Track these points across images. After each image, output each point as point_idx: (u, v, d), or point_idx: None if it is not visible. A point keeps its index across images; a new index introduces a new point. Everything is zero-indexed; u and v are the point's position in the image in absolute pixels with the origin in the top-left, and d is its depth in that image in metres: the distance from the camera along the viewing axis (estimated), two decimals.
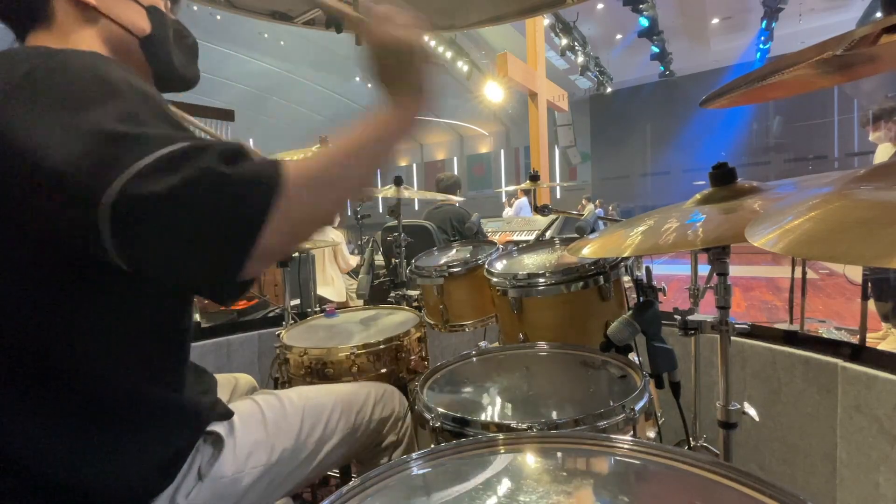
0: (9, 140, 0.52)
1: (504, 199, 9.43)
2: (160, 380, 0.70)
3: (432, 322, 1.58)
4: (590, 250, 0.99)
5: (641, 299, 1.05)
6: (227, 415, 0.81)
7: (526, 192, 7.72)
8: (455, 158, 19.40)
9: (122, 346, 0.64)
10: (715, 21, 12.05)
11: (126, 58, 0.75)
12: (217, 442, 0.77)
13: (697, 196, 0.93)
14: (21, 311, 0.58)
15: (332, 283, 4.12)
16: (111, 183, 0.48)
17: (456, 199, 3.28)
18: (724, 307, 0.93)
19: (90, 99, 0.54)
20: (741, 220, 0.78)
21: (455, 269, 1.50)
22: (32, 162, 0.52)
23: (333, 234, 4.31)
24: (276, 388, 1.48)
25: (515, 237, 4.77)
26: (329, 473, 1.42)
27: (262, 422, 0.84)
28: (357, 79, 14.72)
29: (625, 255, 1.06)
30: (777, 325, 2.74)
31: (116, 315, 0.63)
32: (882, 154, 3.36)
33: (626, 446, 0.60)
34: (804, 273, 3.08)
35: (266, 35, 11.10)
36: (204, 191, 0.50)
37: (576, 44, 10.11)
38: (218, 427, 0.78)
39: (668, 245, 0.79)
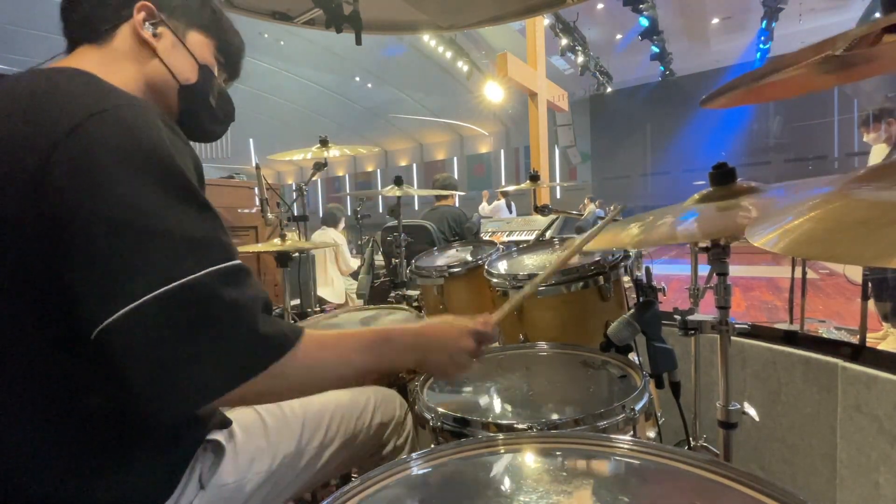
0: (60, 198, 0.53)
1: (485, 198, 9.39)
2: None
3: None
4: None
5: (641, 299, 1.05)
6: (225, 423, 0.81)
7: (504, 195, 7.75)
8: (455, 158, 19.40)
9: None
10: (715, 21, 12.05)
11: (159, 97, 0.77)
12: (217, 449, 0.77)
13: (696, 196, 0.93)
14: (17, 326, 0.57)
15: (331, 285, 4.12)
16: (171, 283, 0.52)
17: (457, 193, 3.27)
18: (724, 307, 0.93)
19: (157, 177, 0.55)
20: (734, 216, 0.78)
21: (455, 270, 1.50)
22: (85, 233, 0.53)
23: (335, 236, 4.31)
24: None
25: (515, 237, 4.77)
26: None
27: (262, 429, 0.84)
28: (357, 79, 14.72)
29: (622, 248, 1.06)
30: (777, 325, 2.74)
31: None
32: (876, 155, 3.37)
33: (626, 446, 0.60)
34: (804, 273, 3.08)
35: (266, 35, 11.10)
36: (244, 319, 0.55)
37: (576, 44, 10.11)
38: (217, 435, 0.78)
39: (658, 237, 0.80)
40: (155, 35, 0.74)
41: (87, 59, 0.71)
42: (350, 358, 0.68)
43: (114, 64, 0.72)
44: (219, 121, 0.85)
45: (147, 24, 0.73)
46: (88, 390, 0.61)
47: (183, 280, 0.52)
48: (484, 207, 8.06)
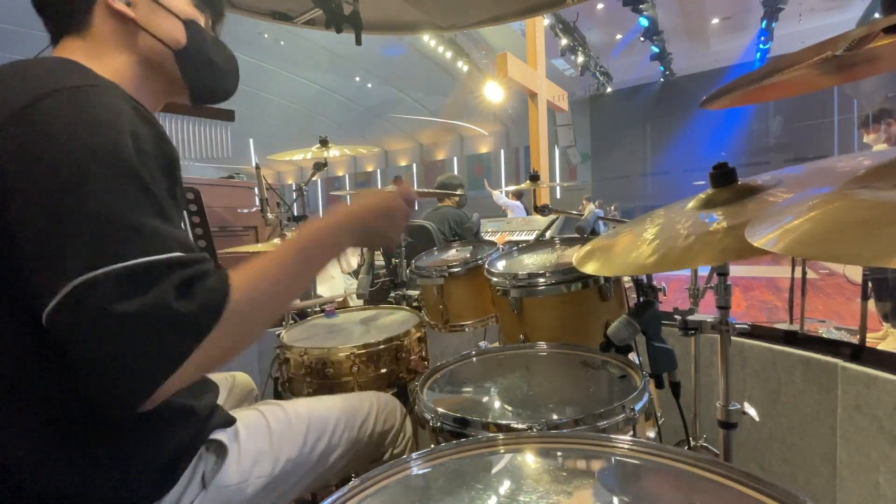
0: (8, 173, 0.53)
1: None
2: None
3: (432, 322, 1.57)
4: (600, 265, 0.91)
5: (641, 299, 1.05)
6: (229, 422, 0.80)
7: (518, 195, 7.70)
8: (455, 158, 19.40)
9: None
10: (715, 21, 12.05)
11: (159, 70, 0.76)
12: (220, 450, 0.77)
13: (702, 196, 0.92)
14: (13, 321, 0.57)
15: (330, 281, 4.12)
16: (90, 271, 0.50)
17: (457, 194, 3.27)
18: (724, 307, 0.93)
19: (97, 172, 0.54)
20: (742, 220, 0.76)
21: (455, 269, 1.50)
22: (21, 215, 0.53)
23: None
24: (276, 388, 1.48)
25: (515, 237, 4.77)
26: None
27: (266, 432, 0.84)
28: (357, 79, 14.73)
29: (645, 271, 1.01)
30: (777, 325, 2.74)
31: None
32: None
33: (626, 446, 0.60)
34: (804, 273, 3.09)
35: (266, 35, 11.11)
36: (151, 322, 0.52)
37: (576, 44, 10.11)
38: (221, 435, 0.78)
39: (689, 258, 0.71)
40: (129, 4, 0.71)
41: (73, 50, 0.70)
42: (284, 283, 0.66)
43: (103, 52, 0.71)
44: (224, 73, 0.83)
45: None
46: (67, 383, 0.60)
47: (106, 268, 0.51)
48: (499, 196, 8.00)
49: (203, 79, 0.80)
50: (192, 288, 0.55)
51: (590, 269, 0.90)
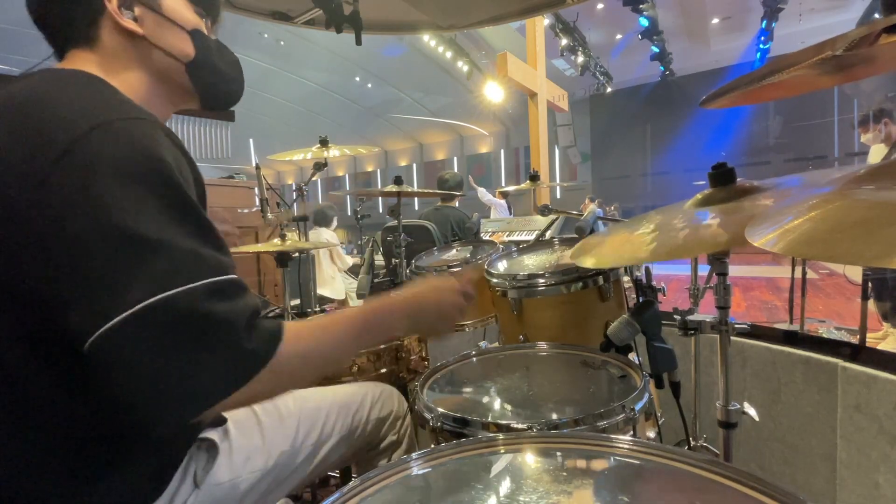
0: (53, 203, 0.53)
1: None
2: None
3: None
4: (595, 259, 0.95)
5: (641, 299, 1.05)
6: (219, 421, 0.80)
7: (504, 195, 7.71)
8: (455, 158, 19.40)
9: None
10: (715, 21, 12.04)
11: (172, 83, 0.77)
12: (211, 448, 0.77)
13: (698, 196, 0.93)
14: (20, 342, 0.57)
15: (331, 282, 4.13)
16: (158, 294, 0.51)
17: (456, 201, 3.27)
18: (723, 307, 0.93)
19: (155, 191, 0.55)
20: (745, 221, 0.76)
21: (455, 269, 1.50)
22: (72, 244, 0.52)
23: (328, 236, 4.30)
24: None
25: (515, 237, 4.77)
26: (329, 474, 1.42)
27: (257, 426, 0.84)
28: (357, 79, 14.72)
29: (639, 262, 1.04)
30: (777, 325, 2.74)
31: None
32: (875, 155, 3.38)
33: (625, 446, 0.60)
34: (804, 273, 3.08)
35: (266, 35, 11.10)
36: (229, 333, 0.54)
37: (576, 44, 10.10)
38: (211, 433, 0.78)
39: (682, 248, 0.76)
40: (136, 19, 0.71)
41: (86, 63, 0.70)
42: (335, 344, 0.68)
43: (117, 68, 0.71)
44: (232, 79, 0.84)
45: (122, 8, 0.70)
46: (77, 398, 0.60)
47: (171, 292, 0.52)
48: (484, 193, 8.02)
49: (213, 87, 0.80)
50: (254, 324, 0.57)
51: (585, 262, 0.91)
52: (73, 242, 0.53)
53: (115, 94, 0.65)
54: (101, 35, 0.70)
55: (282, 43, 11.78)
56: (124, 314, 0.50)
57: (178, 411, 0.54)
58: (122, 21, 0.70)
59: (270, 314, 3.24)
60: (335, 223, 4.53)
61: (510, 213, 7.51)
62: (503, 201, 7.93)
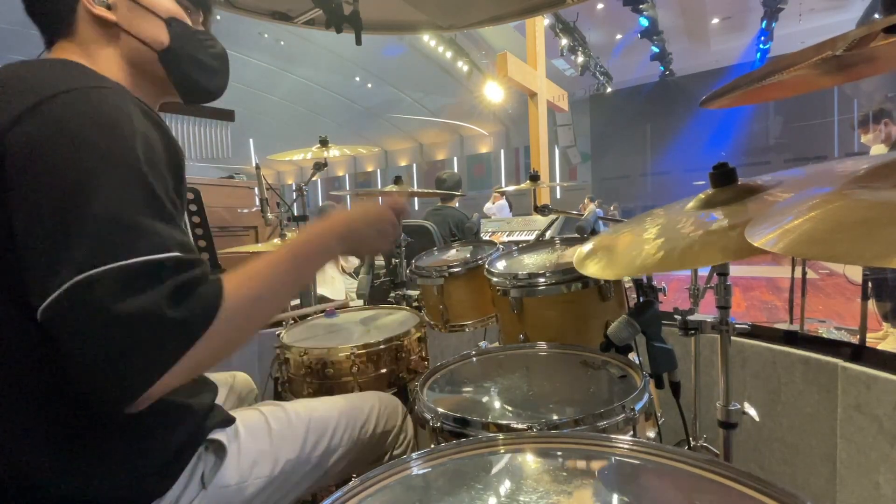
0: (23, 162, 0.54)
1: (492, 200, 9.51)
2: None
3: (432, 322, 1.57)
4: (600, 268, 0.89)
5: (641, 299, 1.05)
6: (228, 421, 0.80)
7: (501, 194, 7.72)
8: (455, 158, 19.40)
9: None
10: (715, 21, 12.05)
11: (145, 72, 0.76)
12: (220, 450, 0.77)
13: (701, 196, 0.92)
14: (16, 314, 0.58)
15: (331, 283, 4.12)
16: (83, 272, 0.51)
17: (456, 201, 3.27)
18: (724, 307, 0.93)
19: (104, 172, 0.55)
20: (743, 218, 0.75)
21: (455, 269, 1.50)
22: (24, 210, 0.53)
23: None
24: (276, 388, 1.48)
25: (515, 237, 4.77)
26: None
27: (267, 432, 0.84)
28: (357, 79, 14.72)
29: (647, 273, 1.01)
30: (777, 325, 2.74)
31: None
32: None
33: (626, 446, 0.60)
34: (804, 273, 3.09)
35: (266, 35, 11.10)
36: (150, 316, 0.52)
37: (576, 44, 10.11)
38: (220, 435, 0.78)
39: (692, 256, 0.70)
40: (109, 7, 0.71)
41: (69, 54, 0.70)
42: (276, 287, 0.67)
43: (94, 55, 0.71)
44: (213, 70, 0.82)
45: None
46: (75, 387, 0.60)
47: (105, 267, 0.51)
48: (489, 207, 8.07)
49: (190, 78, 0.79)
50: (186, 293, 0.56)
51: (591, 270, 0.90)
52: (23, 199, 0.54)
53: (87, 70, 0.66)
54: (79, 24, 0.71)
55: (282, 43, 11.78)
56: (64, 285, 0.50)
57: (121, 388, 0.53)
58: (93, 8, 0.70)
59: None
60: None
61: (510, 212, 7.53)
62: (502, 201, 7.94)
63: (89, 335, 0.51)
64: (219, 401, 0.85)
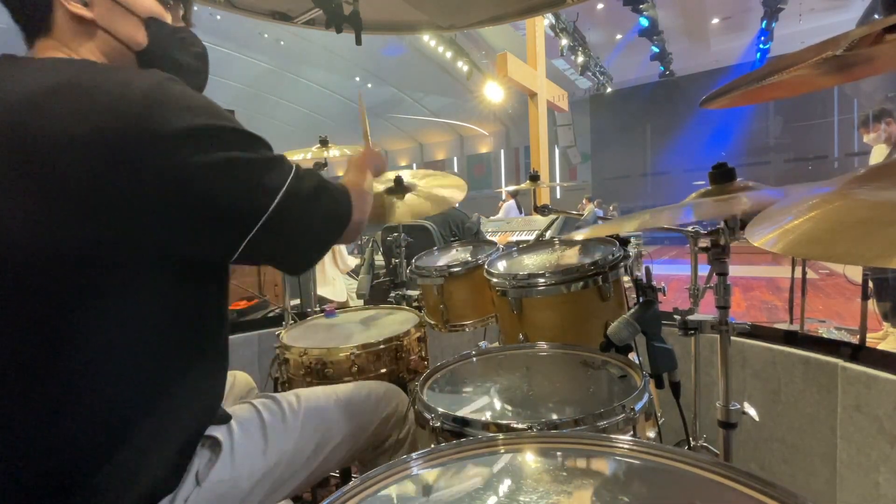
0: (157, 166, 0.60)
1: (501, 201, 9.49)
2: (180, 371, 0.70)
3: (432, 322, 1.57)
4: (584, 235, 0.99)
5: (641, 299, 1.05)
6: (224, 418, 0.80)
7: (513, 195, 7.66)
8: (455, 158, 19.41)
9: (145, 338, 0.65)
10: (715, 21, 12.05)
11: None
12: (214, 446, 0.77)
13: (696, 194, 0.93)
14: (41, 308, 0.58)
15: (332, 284, 4.12)
16: (271, 204, 0.67)
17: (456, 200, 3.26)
18: (724, 307, 0.93)
19: (219, 125, 0.65)
20: (733, 203, 0.77)
21: (455, 269, 1.50)
22: (186, 191, 0.62)
23: None
24: (275, 388, 1.47)
25: (515, 237, 4.77)
26: (330, 473, 1.42)
27: (260, 426, 0.84)
28: (357, 79, 14.72)
29: (622, 232, 1.09)
30: (777, 325, 2.74)
31: (141, 308, 0.64)
32: (877, 155, 3.38)
33: (626, 446, 0.60)
34: (804, 273, 3.09)
35: (266, 35, 11.10)
36: (323, 193, 0.76)
37: (576, 44, 10.11)
38: (215, 431, 0.78)
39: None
40: (86, 4, 0.70)
41: (49, 50, 0.70)
42: (367, 198, 0.95)
43: (75, 51, 0.70)
44: (193, 70, 0.81)
45: None
46: (90, 382, 0.61)
47: (286, 187, 0.69)
48: (499, 215, 8.02)
49: None
50: (328, 185, 0.78)
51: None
52: (196, 180, 0.62)
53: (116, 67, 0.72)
54: (56, 21, 0.70)
55: (282, 43, 11.78)
56: (273, 203, 0.67)
57: (319, 250, 0.79)
58: (68, 5, 0.69)
59: (270, 314, 3.24)
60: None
61: (520, 212, 7.47)
62: (511, 202, 7.89)
63: (303, 219, 0.73)
64: None
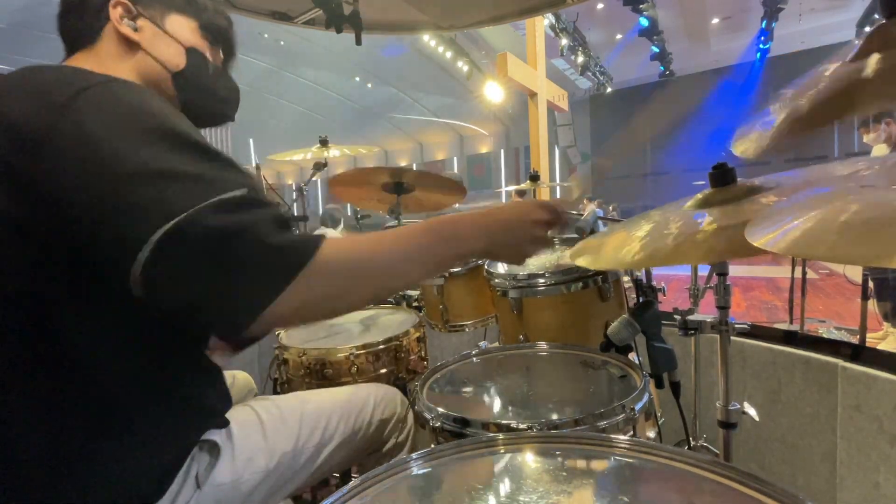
0: (72, 155, 0.55)
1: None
2: (171, 378, 0.71)
3: (432, 322, 1.57)
4: (591, 259, 0.90)
5: (641, 299, 1.05)
6: (222, 423, 0.81)
7: (521, 194, 7.65)
8: (455, 158, 19.39)
9: (135, 343, 0.65)
10: (715, 21, 12.04)
11: (155, 88, 0.78)
12: (213, 449, 0.77)
13: (699, 196, 0.92)
14: (33, 308, 0.58)
15: None
16: (171, 219, 0.52)
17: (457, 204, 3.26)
18: (723, 307, 0.93)
19: (152, 133, 0.58)
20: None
21: (455, 269, 1.50)
22: (95, 185, 0.55)
23: (333, 235, 4.30)
24: (274, 389, 1.48)
25: None
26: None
27: (259, 428, 0.84)
28: (357, 79, 14.72)
29: (632, 266, 1.03)
30: (777, 325, 2.74)
31: (133, 317, 0.63)
32: (877, 155, 3.38)
33: (625, 446, 0.60)
34: (804, 273, 3.09)
35: (266, 35, 11.09)
36: (249, 240, 0.55)
37: (576, 44, 10.11)
38: (214, 435, 0.78)
39: (672, 254, 0.70)
40: (135, 29, 0.75)
41: (85, 63, 0.73)
42: (397, 251, 0.65)
43: (109, 67, 0.73)
44: (221, 99, 0.85)
45: (125, 20, 0.74)
46: (82, 385, 0.61)
47: (186, 213, 0.53)
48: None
49: (198, 102, 0.82)
50: (285, 224, 0.58)
51: (581, 262, 0.90)
52: (85, 189, 0.55)
53: (96, 72, 0.68)
54: (103, 38, 0.74)
55: (282, 43, 11.77)
56: (148, 243, 0.52)
57: (233, 321, 0.55)
58: (120, 27, 0.74)
59: None
60: (342, 224, 4.54)
61: None
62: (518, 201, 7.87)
63: (204, 262, 0.53)
64: None
